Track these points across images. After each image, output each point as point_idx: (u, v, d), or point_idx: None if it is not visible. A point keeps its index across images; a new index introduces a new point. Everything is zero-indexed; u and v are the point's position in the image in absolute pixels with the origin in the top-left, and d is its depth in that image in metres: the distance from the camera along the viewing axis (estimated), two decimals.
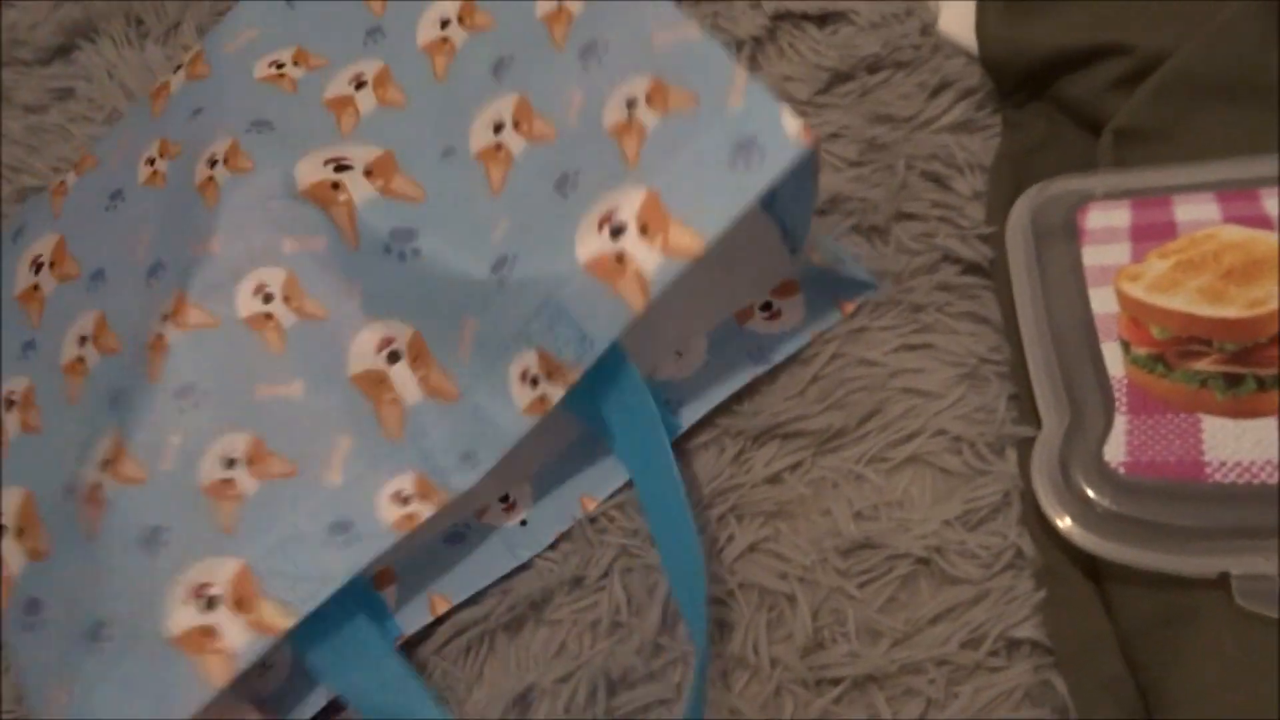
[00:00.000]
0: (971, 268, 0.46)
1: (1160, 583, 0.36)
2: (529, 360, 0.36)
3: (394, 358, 0.40)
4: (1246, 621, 0.35)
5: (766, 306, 0.45)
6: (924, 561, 0.41)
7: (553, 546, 0.44)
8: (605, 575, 0.43)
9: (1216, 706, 0.35)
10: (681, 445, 0.45)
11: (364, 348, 0.40)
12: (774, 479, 0.44)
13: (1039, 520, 0.39)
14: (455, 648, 0.43)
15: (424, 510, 0.38)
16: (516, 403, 0.37)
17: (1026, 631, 0.39)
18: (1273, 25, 0.43)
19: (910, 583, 0.41)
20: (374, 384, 0.40)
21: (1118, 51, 0.45)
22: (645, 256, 0.33)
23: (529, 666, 0.42)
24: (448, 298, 0.38)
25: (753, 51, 0.54)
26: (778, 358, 0.45)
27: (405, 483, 0.38)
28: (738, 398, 0.45)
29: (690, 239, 0.33)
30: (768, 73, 0.53)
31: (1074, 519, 0.37)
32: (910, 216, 0.48)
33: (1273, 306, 0.37)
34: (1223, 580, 0.36)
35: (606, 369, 0.36)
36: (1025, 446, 0.41)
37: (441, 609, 0.43)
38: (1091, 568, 0.39)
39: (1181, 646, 0.36)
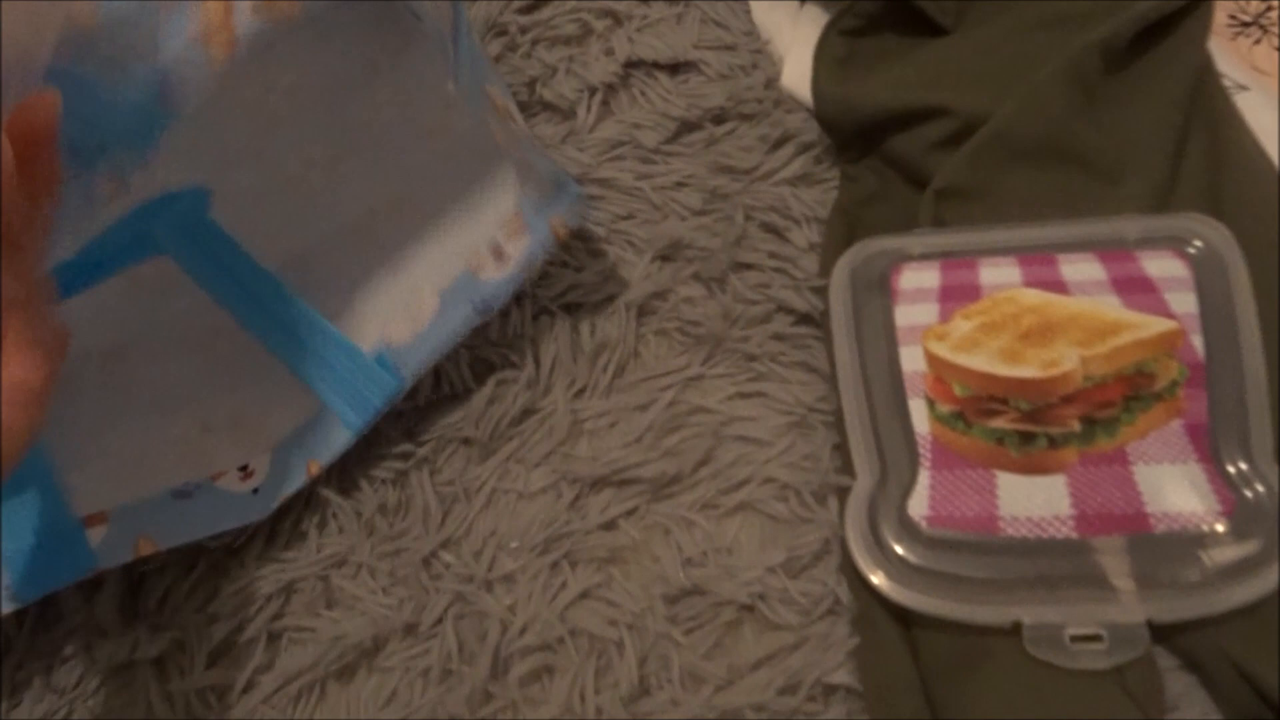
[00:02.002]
0: (804, 318, 0.47)
1: (959, 628, 0.38)
2: None
3: None
4: (1036, 667, 0.37)
5: (498, 253, 0.45)
6: (748, 608, 0.42)
7: (387, 593, 0.44)
8: (439, 622, 0.43)
9: None
10: (517, 489, 0.45)
11: None
12: (609, 525, 0.44)
13: (854, 568, 0.40)
14: (284, 696, 0.43)
15: None
16: None
17: (841, 677, 0.40)
18: (1078, 92, 0.45)
19: (734, 629, 0.42)
20: None
21: (940, 113, 0.47)
22: None
23: (359, 715, 0.42)
24: None
25: (605, 97, 0.54)
26: (499, 304, 0.45)
27: None
28: (574, 444, 0.46)
29: None
30: (619, 119, 0.54)
31: (881, 570, 0.39)
32: (748, 266, 0.49)
33: (1065, 368, 0.39)
34: (1015, 628, 0.37)
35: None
36: (846, 494, 0.42)
37: (146, 550, 0.43)
38: (901, 613, 0.40)
39: (975, 689, 0.38)
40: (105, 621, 0.44)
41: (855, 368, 0.42)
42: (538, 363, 0.47)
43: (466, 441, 0.47)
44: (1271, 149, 0.44)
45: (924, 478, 0.39)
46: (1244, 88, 0.46)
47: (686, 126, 0.53)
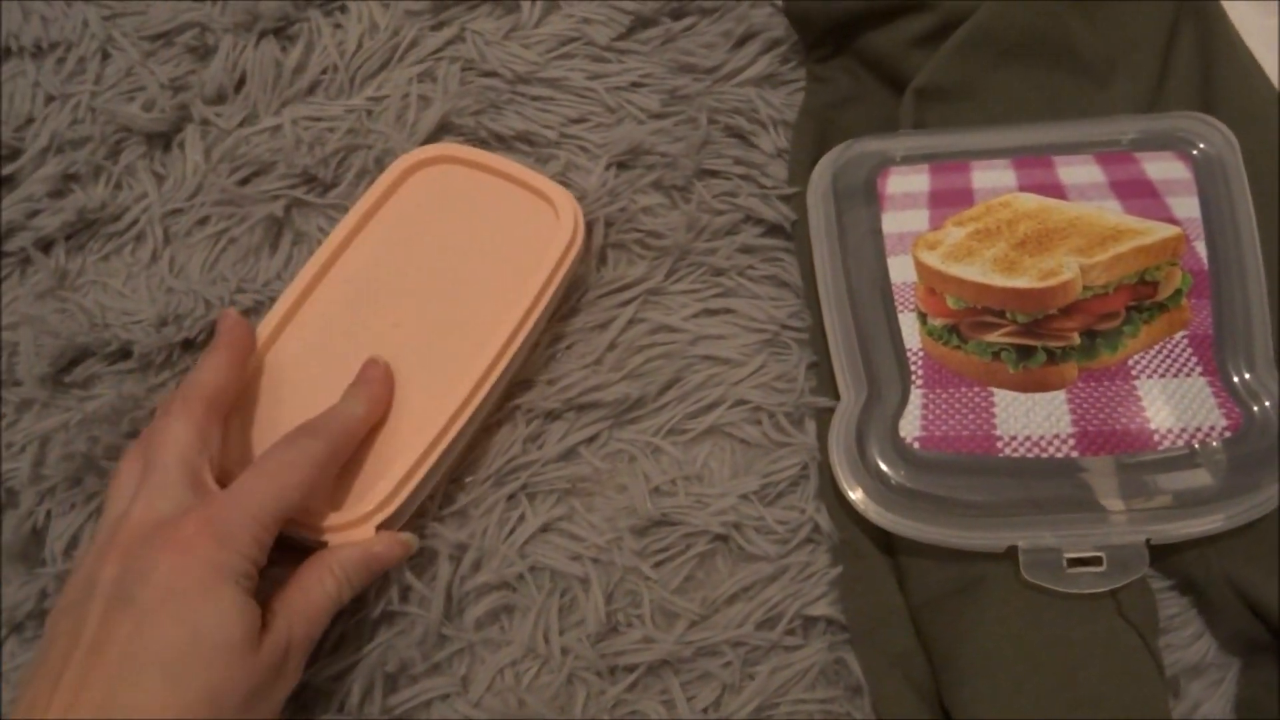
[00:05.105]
0: (773, 229, 0.44)
1: (950, 556, 0.36)
2: None
3: None
4: (1032, 593, 0.35)
5: None
6: (722, 538, 0.40)
7: None
8: None
9: (1001, 677, 0.35)
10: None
11: None
12: (569, 454, 0.41)
13: (836, 494, 0.38)
14: None
15: None
16: None
17: (822, 609, 0.38)
18: None
19: (707, 561, 0.40)
20: None
21: (920, 6, 0.43)
22: None
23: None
24: None
25: None
26: None
27: None
28: (529, 369, 0.42)
29: None
30: (567, 12, 0.49)
31: (868, 494, 0.36)
32: (712, 174, 0.46)
33: (1064, 277, 0.37)
34: (1010, 553, 0.35)
35: None
36: (824, 416, 0.40)
37: None
38: (887, 541, 0.38)
39: (969, 619, 0.36)
40: (9, 568, 0.39)
41: (838, 280, 0.39)
42: None
43: None
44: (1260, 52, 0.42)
45: (916, 397, 0.37)
46: None
47: (641, 21, 0.49)
